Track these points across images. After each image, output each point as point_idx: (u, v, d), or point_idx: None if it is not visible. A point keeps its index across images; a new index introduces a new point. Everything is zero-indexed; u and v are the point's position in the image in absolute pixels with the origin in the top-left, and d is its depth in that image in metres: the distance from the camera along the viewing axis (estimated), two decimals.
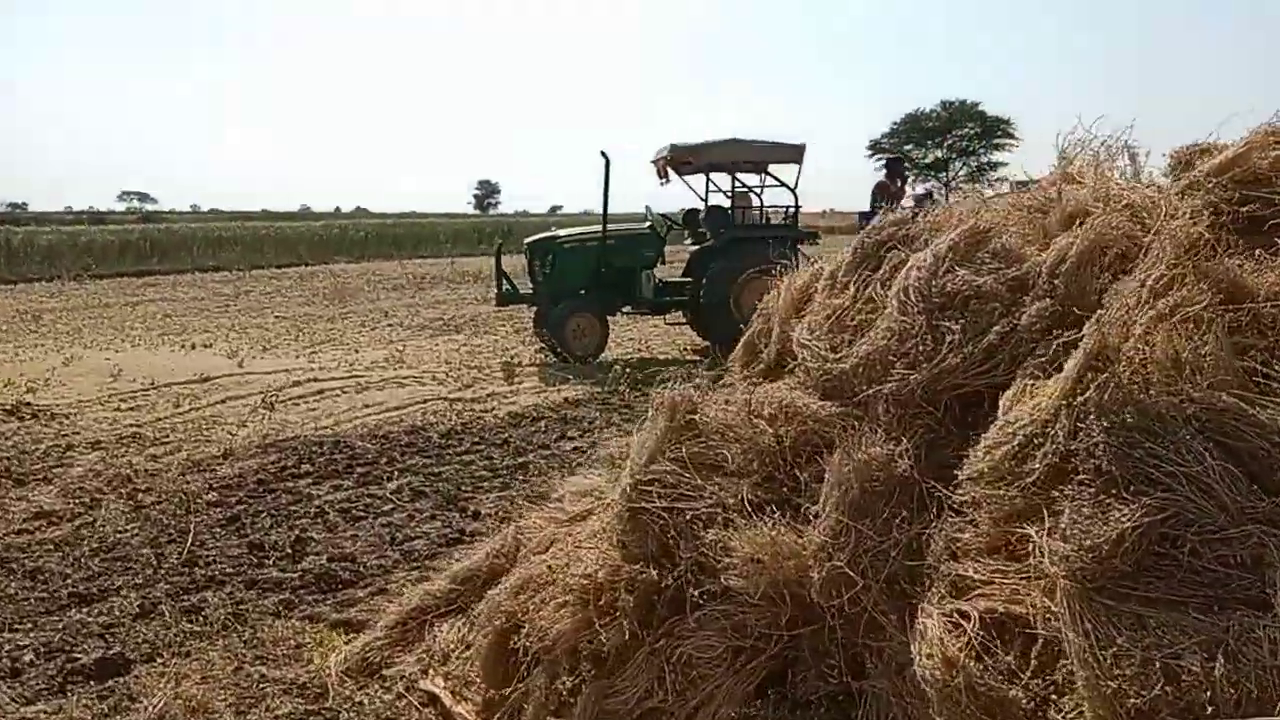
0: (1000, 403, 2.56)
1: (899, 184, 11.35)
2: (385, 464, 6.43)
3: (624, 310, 11.41)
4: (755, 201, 11.25)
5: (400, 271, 24.49)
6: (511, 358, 10.89)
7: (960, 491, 2.42)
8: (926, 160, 57.89)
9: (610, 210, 10.67)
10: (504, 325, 13.75)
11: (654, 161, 11.38)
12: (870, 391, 2.77)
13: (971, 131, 58.11)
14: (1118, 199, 2.88)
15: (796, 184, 10.63)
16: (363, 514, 5.41)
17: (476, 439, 7.11)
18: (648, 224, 11.43)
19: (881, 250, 3.26)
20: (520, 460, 6.52)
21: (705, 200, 11.89)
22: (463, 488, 5.89)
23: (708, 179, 11.74)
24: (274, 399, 8.61)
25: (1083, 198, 2.99)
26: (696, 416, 3.03)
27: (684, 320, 11.82)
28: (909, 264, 2.96)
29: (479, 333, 13.20)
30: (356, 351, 11.38)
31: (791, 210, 10.87)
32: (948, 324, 2.71)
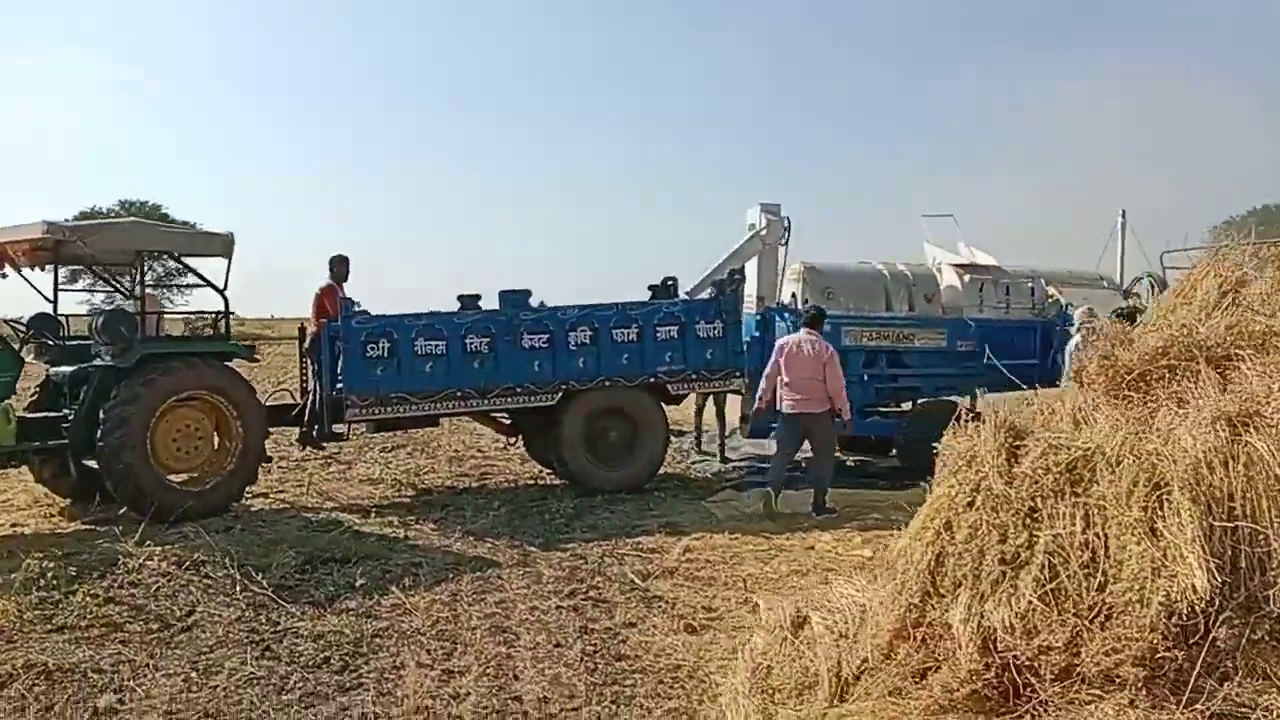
0: None
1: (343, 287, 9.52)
2: None
3: None
4: (169, 305, 8.42)
5: None
6: None
7: None
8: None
9: None
10: None
11: None
12: None
13: None
14: None
15: (226, 284, 8.19)
16: None
17: None
18: None
19: None
20: None
21: (54, 301, 8.55)
22: None
23: (56, 273, 8.50)
24: None
25: None
26: None
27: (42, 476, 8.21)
28: None
29: None
30: None
31: (220, 318, 8.34)
32: None
